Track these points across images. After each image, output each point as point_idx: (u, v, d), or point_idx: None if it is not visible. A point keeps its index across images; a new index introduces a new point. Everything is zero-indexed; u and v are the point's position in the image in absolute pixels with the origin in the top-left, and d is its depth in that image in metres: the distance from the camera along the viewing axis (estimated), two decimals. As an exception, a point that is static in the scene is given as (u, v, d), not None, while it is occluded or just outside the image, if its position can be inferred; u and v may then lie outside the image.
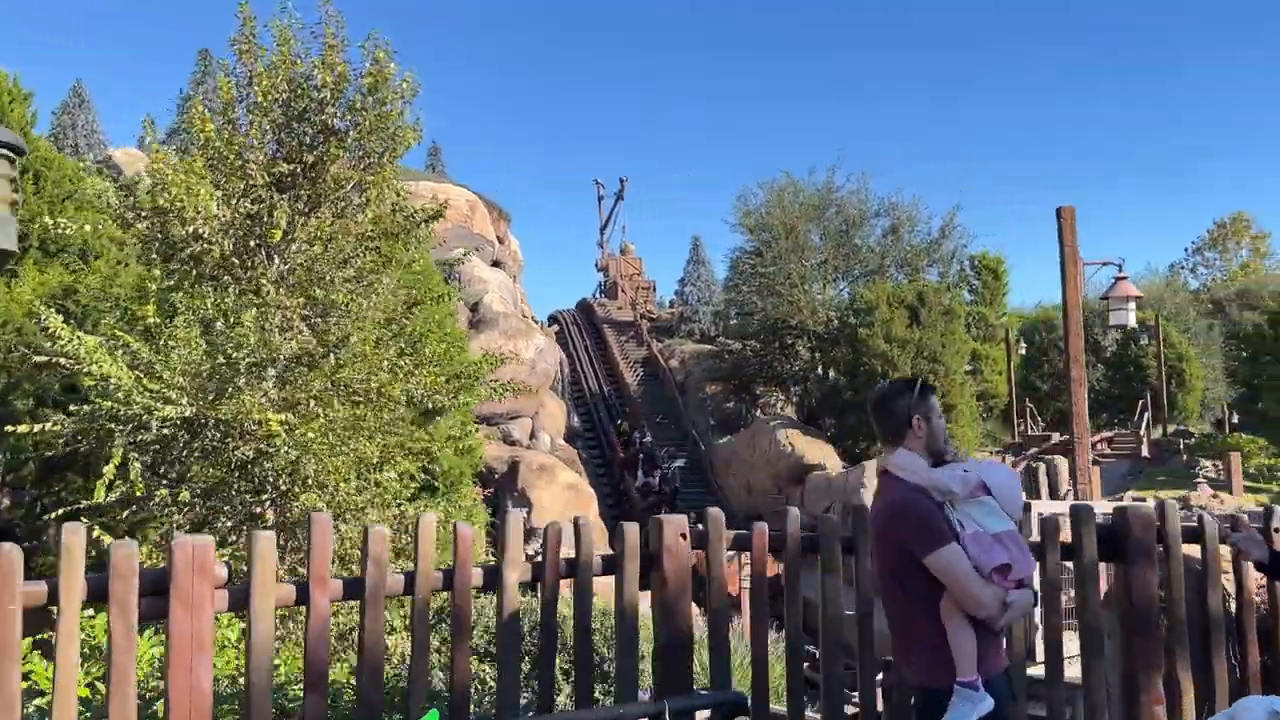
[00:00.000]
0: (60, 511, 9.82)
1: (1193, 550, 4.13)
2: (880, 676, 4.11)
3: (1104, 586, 4.46)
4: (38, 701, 4.15)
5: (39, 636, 4.12)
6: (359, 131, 10.00)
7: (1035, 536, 4.20)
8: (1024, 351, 37.70)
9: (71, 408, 9.31)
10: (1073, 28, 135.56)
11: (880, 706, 4.04)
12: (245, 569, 3.38)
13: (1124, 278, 9.34)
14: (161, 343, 9.76)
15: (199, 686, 3.21)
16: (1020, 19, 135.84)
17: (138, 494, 9.01)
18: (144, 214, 10.21)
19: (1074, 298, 7.77)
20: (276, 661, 5.15)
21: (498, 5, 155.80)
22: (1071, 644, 4.31)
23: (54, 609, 3.18)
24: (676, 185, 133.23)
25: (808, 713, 4.81)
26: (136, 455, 9.24)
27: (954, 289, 32.27)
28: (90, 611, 4.52)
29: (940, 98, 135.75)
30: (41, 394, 14.44)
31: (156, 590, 3.26)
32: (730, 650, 4.05)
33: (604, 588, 4.03)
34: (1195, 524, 4.16)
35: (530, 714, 4.19)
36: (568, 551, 3.91)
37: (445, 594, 3.74)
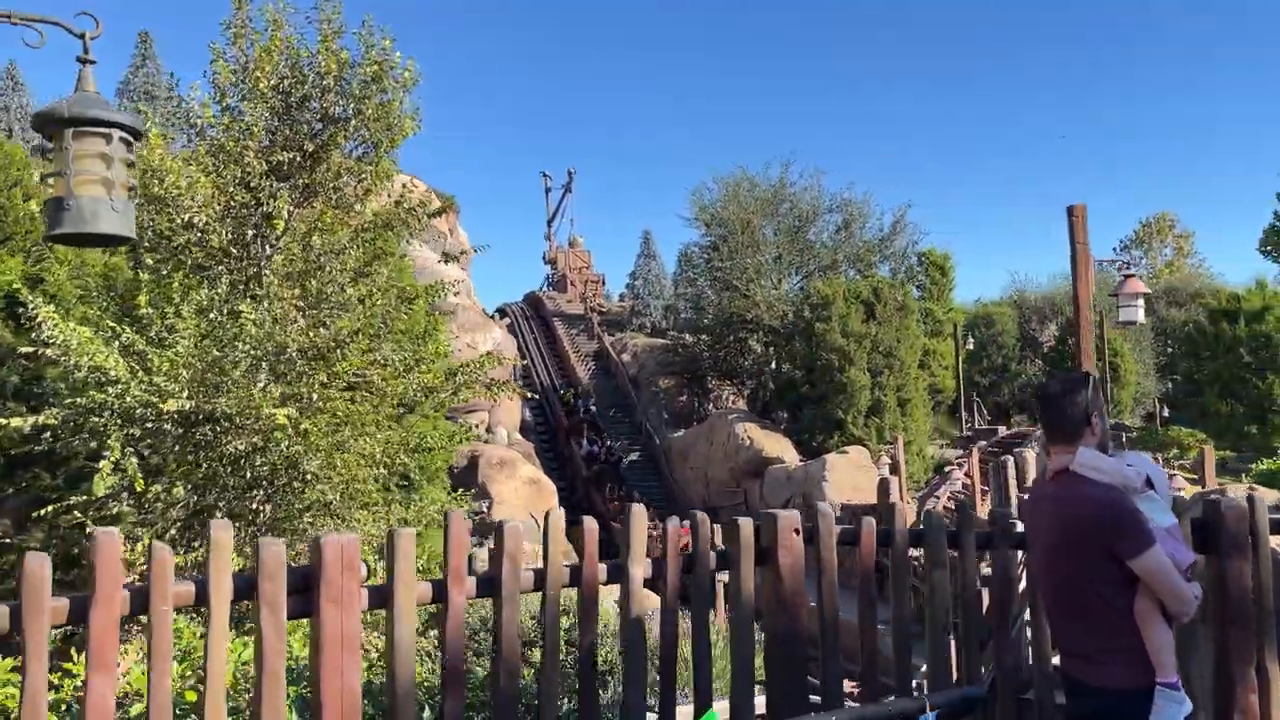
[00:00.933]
0: (51, 508, 9.49)
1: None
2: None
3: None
4: (137, 707, 4.01)
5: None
6: (361, 120, 9.83)
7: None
8: (971, 347, 38.50)
9: (69, 400, 8.98)
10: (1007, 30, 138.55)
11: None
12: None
13: (1133, 275, 9.61)
14: (154, 333, 9.49)
15: (350, 687, 3.15)
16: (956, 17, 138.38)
17: (138, 488, 8.75)
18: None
19: (1085, 295, 7.96)
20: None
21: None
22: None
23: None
24: (625, 179, 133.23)
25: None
26: (132, 450, 8.98)
27: (905, 285, 32.80)
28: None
29: (885, 95, 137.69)
30: (1, 386, 13.94)
31: (300, 589, 3.19)
32: (839, 649, 4.08)
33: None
34: None
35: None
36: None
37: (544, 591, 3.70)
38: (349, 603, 3.17)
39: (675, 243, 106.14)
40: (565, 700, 5.07)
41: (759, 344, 33.14)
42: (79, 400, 8.93)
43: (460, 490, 14.43)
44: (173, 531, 9.53)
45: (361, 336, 9.37)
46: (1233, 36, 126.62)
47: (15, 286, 10.71)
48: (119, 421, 9.00)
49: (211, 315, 9.59)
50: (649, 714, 3.83)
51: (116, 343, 9.08)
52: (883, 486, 21.23)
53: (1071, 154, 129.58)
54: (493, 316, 40.42)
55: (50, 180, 3.35)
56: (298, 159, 9.85)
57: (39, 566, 2.83)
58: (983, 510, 21.00)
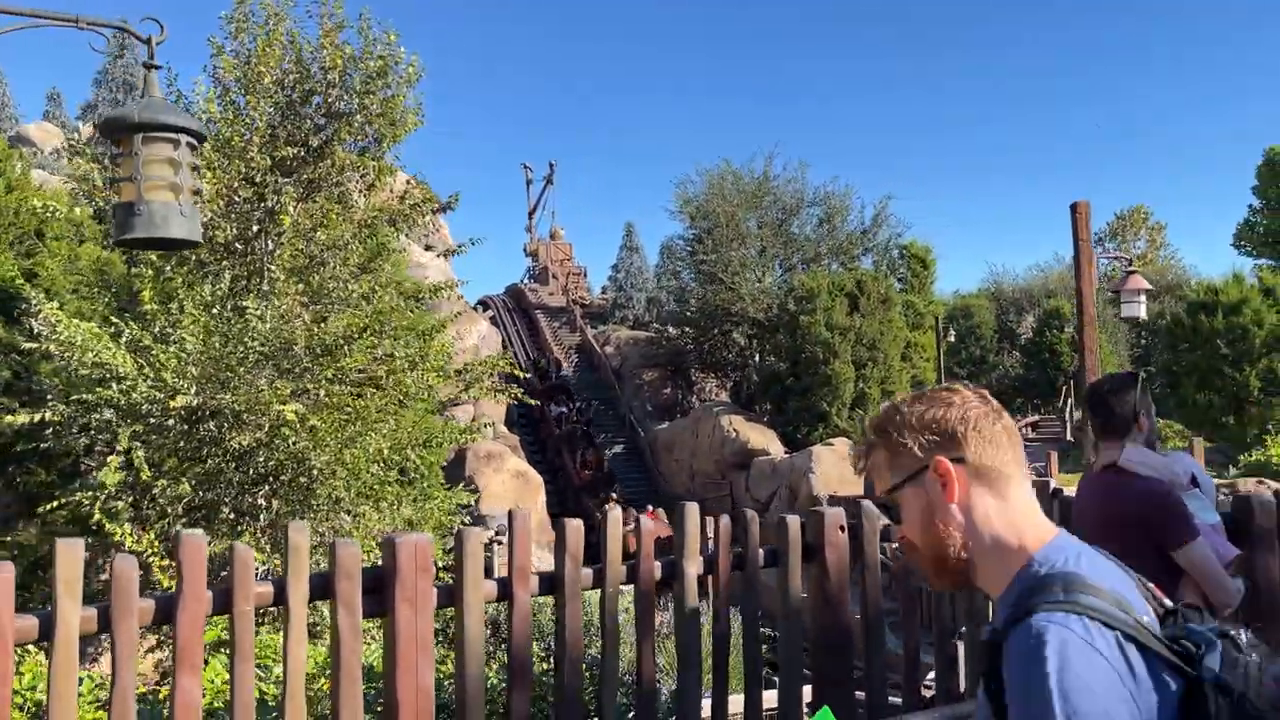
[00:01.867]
0: (53, 505, 9.45)
1: None
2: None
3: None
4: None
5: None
6: (365, 115, 9.82)
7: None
8: (952, 339, 38.81)
9: (74, 397, 8.94)
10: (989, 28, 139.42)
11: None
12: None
13: (1135, 271, 9.77)
14: (158, 329, 9.46)
15: (424, 686, 3.20)
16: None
17: (144, 480, 8.73)
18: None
19: (1088, 290, 8.10)
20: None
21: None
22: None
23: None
24: (607, 172, 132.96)
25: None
26: (139, 445, 8.96)
27: (887, 277, 33.02)
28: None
29: (883, 90, 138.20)
30: (-9, 381, 13.80)
31: (372, 589, 3.24)
32: (883, 644, 4.17)
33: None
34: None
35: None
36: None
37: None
38: (423, 602, 3.22)
39: (658, 235, 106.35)
40: (623, 694, 5.15)
41: (743, 336, 33.27)
42: (86, 397, 8.89)
43: (448, 484, 14.52)
44: (177, 527, 9.52)
45: (368, 333, 9.38)
46: (1205, 32, 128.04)
47: (18, 282, 10.60)
48: (126, 418, 8.98)
49: (215, 311, 9.57)
50: (704, 701, 3.91)
51: (122, 339, 9.05)
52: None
53: (1044, 146, 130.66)
54: (475, 308, 40.32)
55: (119, 185, 3.37)
56: (301, 154, 9.84)
57: (128, 569, 2.87)
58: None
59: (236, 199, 9.64)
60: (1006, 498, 1.39)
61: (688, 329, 34.84)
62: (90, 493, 9.05)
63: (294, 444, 9.10)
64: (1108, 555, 1.36)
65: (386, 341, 10.20)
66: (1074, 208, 8.03)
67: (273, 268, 9.49)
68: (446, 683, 5.39)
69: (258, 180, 9.52)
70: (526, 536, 3.50)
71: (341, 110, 9.76)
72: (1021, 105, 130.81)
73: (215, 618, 3.18)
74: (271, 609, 3.19)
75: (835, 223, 34.19)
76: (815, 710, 4.06)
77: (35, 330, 10.37)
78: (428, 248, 38.52)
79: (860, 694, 4.11)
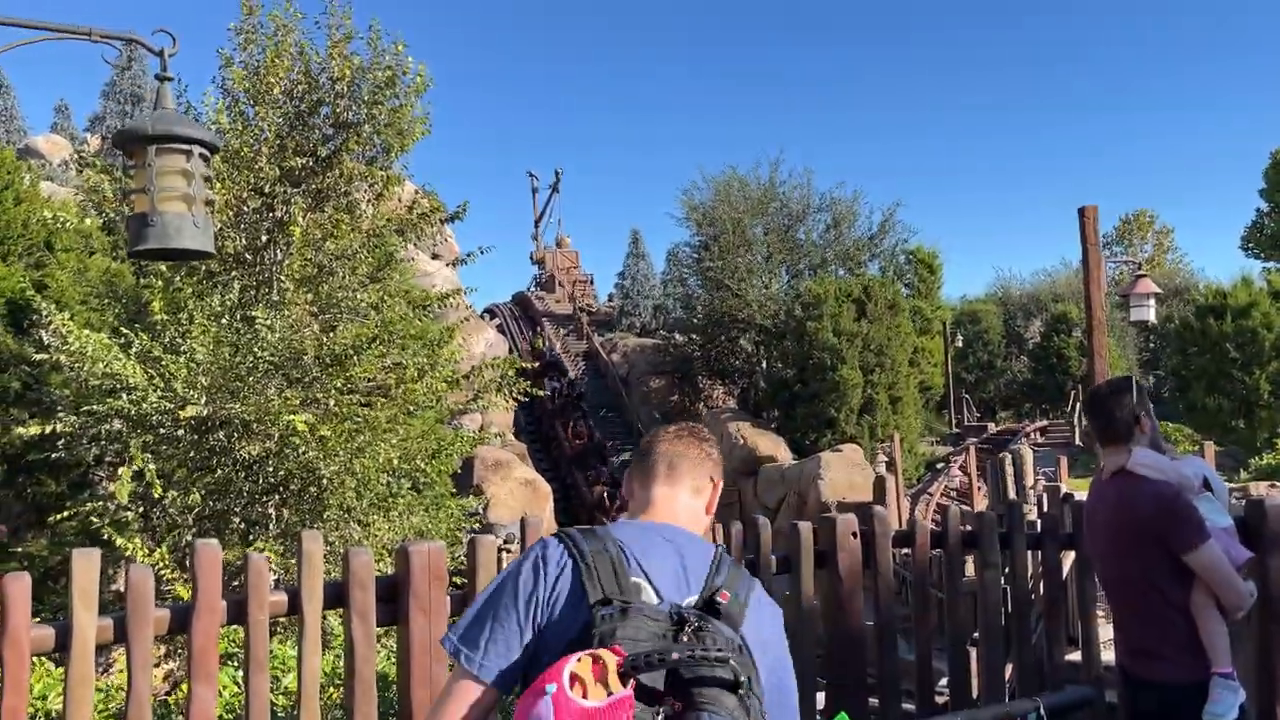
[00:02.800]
0: (63, 515, 9.48)
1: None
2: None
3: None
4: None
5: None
6: (373, 125, 9.85)
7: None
8: (960, 344, 38.78)
9: (84, 408, 8.97)
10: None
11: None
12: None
13: (1145, 275, 9.74)
14: (167, 340, 9.49)
15: (438, 694, 3.20)
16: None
17: (156, 494, 8.76)
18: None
19: (1096, 295, 8.09)
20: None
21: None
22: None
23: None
24: (612, 179, 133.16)
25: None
26: (150, 456, 8.98)
27: (894, 283, 33.00)
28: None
29: (871, 95, 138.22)
30: (3, 392, 13.86)
31: (386, 597, 3.24)
32: (896, 647, 4.16)
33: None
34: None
35: None
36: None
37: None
38: (437, 611, 3.22)
39: (664, 242, 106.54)
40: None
41: (750, 343, 33.26)
42: (97, 408, 8.92)
43: (457, 492, 14.55)
44: (188, 537, 9.54)
45: (377, 343, 9.40)
46: (1212, 34, 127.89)
47: (28, 294, 10.65)
48: (136, 429, 9.00)
49: (224, 321, 9.60)
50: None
51: (132, 349, 9.08)
52: (879, 484, 21.40)
53: (1050, 151, 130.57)
54: (482, 316, 40.38)
55: (133, 196, 3.38)
56: (310, 164, 9.87)
57: (144, 578, 2.88)
58: (979, 507, 21.20)
59: (245, 209, 9.67)
60: None
61: (695, 336, 34.84)
62: (100, 504, 9.06)
63: (303, 453, 9.12)
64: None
65: (395, 351, 10.22)
66: (1082, 212, 8.02)
67: (282, 278, 9.51)
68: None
69: (267, 191, 9.55)
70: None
71: (350, 120, 9.79)
72: (1026, 109, 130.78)
73: (227, 627, 3.18)
74: (282, 618, 3.19)
75: (842, 229, 34.17)
76: (829, 717, 4.06)
77: (45, 341, 10.42)
78: (435, 256, 38.68)
79: (873, 700, 4.10)
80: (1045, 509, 4.83)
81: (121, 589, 8.88)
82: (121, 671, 4.39)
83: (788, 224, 33.92)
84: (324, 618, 3.22)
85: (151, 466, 8.82)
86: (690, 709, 1.50)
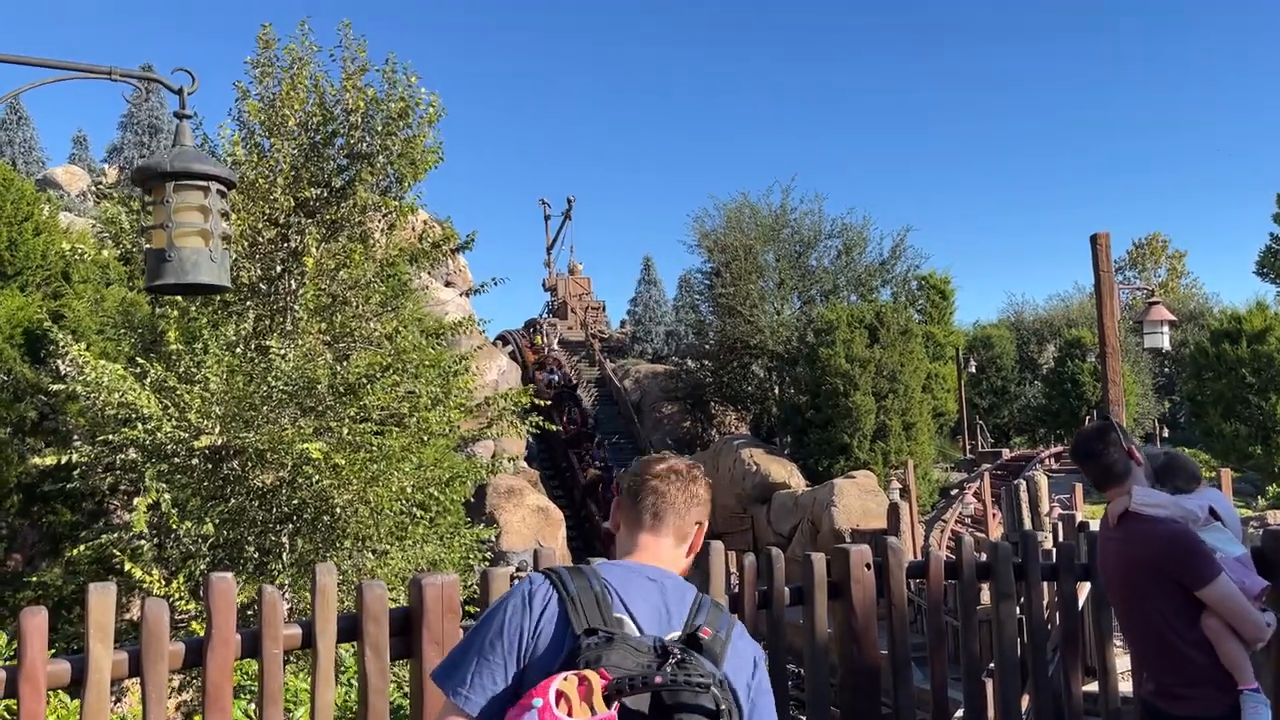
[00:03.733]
0: (81, 548, 9.50)
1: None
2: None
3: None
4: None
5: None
6: (386, 155, 9.94)
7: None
8: (973, 370, 38.64)
9: (100, 437, 9.02)
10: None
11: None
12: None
13: (1158, 302, 9.71)
14: (182, 369, 9.55)
15: (452, 728, 3.19)
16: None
17: (172, 526, 8.78)
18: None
19: (1110, 322, 8.08)
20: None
21: (438, 12, 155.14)
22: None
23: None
24: (624, 206, 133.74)
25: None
26: (165, 486, 9.02)
27: (906, 309, 32.97)
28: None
29: (882, 121, 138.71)
30: (20, 421, 13.95)
31: (398, 631, 3.25)
32: (911, 678, 4.13)
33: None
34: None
35: None
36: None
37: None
38: (450, 644, 3.22)
39: (676, 269, 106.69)
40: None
41: (762, 369, 33.24)
42: (112, 437, 8.97)
43: (469, 520, 14.54)
44: (201, 566, 9.56)
45: (390, 371, 9.44)
46: (1225, 58, 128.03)
47: (45, 324, 10.74)
48: (150, 458, 9.05)
49: (239, 350, 9.66)
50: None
51: (147, 379, 9.14)
52: (893, 511, 21.29)
53: (1062, 175, 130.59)
54: (494, 343, 40.49)
55: (151, 232, 3.43)
56: (324, 194, 9.96)
57: (159, 612, 2.89)
58: (994, 534, 21.06)
59: (260, 240, 9.75)
60: None
61: (706, 362, 34.86)
62: (115, 534, 9.10)
63: (317, 482, 9.14)
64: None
65: (408, 379, 10.26)
66: (1094, 240, 8.01)
67: (296, 307, 9.58)
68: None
69: (281, 221, 9.64)
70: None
71: (364, 151, 9.88)
72: (1039, 133, 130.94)
73: (240, 660, 3.19)
74: (295, 651, 3.19)
75: (853, 255, 34.21)
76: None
77: (62, 371, 10.49)
78: (448, 284, 38.89)
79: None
80: (1061, 538, 4.80)
81: (135, 618, 8.90)
82: (137, 705, 4.40)
83: (799, 250, 33.98)
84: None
85: (167, 496, 8.86)
86: None
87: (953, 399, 35.59)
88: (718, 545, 3.87)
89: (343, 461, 9.00)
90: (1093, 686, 4.53)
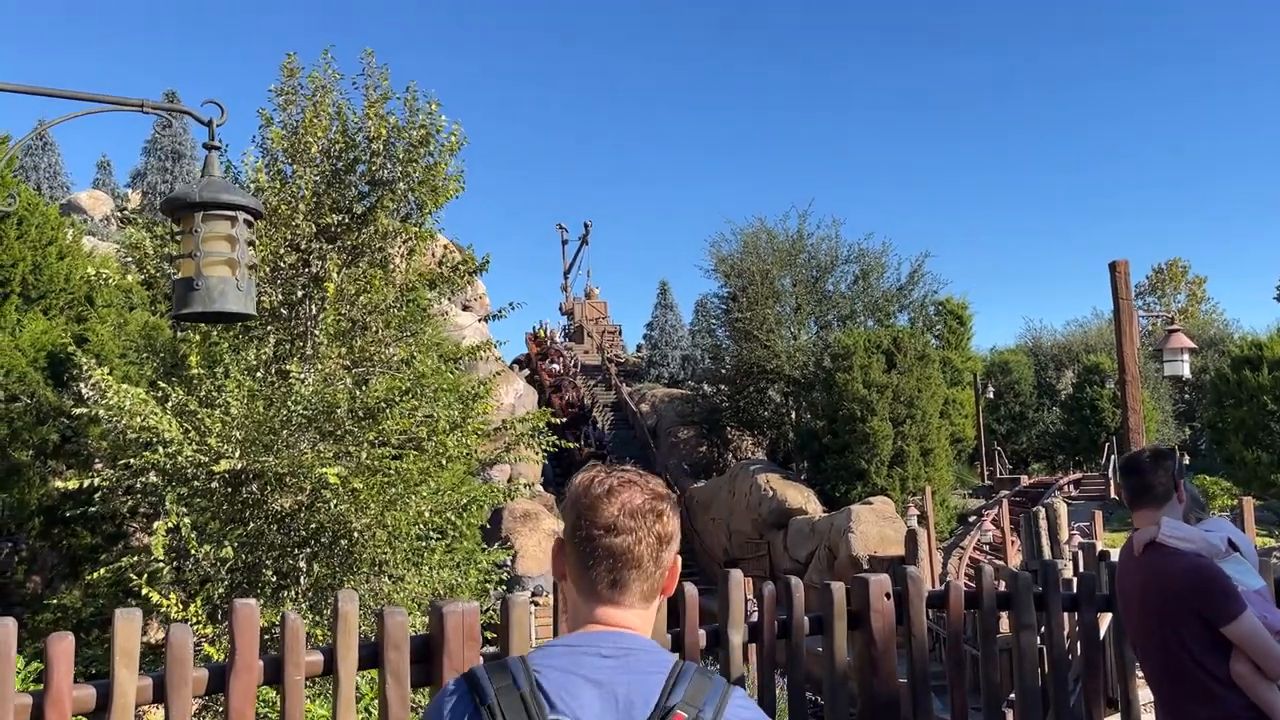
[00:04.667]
0: (102, 571, 9.55)
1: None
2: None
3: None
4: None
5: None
6: (408, 183, 10.03)
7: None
8: (991, 395, 38.45)
9: (122, 461, 9.10)
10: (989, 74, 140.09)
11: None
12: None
13: (1178, 330, 9.68)
14: (203, 393, 9.63)
15: (471, 755, 3.20)
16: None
17: (192, 551, 8.83)
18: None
19: (1129, 349, 8.06)
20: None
21: (457, 39, 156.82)
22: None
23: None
24: (641, 230, 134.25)
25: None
26: (185, 510, 9.07)
27: (924, 334, 32.91)
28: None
29: (901, 145, 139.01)
30: (42, 444, 14.08)
31: (421, 658, 3.26)
32: (931, 709, 4.12)
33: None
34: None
35: None
36: None
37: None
38: (470, 671, 3.23)
39: (692, 293, 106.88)
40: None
41: (779, 394, 33.20)
42: (132, 461, 9.05)
43: (485, 544, 14.54)
44: (220, 590, 9.59)
45: (409, 396, 9.49)
46: (1241, 84, 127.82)
47: (69, 348, 10.87)
48: (171, 482, 9.11)
49: (259, 374, 9.74)
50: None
51: (169, 403, 9.22)
52: (910, 538, 21.17)
53: (1080, 198, 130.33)
54: (511, 367, 40.59)
55: (179, 261, 3.48)
56: (345, 221, 10.05)
57: (183, 640, 2.92)
58: (1013, 562, 20.88)
59: (282, 265, 9.84)
60: None
61: (723, 386, 34.85)
62: (135, 558, 9.15)
63: (335, 506, 9.17)
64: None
65: (426, 404, 10.31)
66: (1113, 267, 8.01)
67: (316, 332, 9.65)
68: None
69: (303, 247, 9.73)
70: (572, 604, 3.51)
71: (385, 178, 9.98)
72: (1056, 160, 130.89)
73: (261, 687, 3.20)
74: (315, 677, 3.21)
75: (871, 280, 34.22)
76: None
77: (84, 395, 10.59)
78: (465, 308, 39.08)
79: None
80: (1081, 567, 4.79)
81: (153, 640, 8.93)
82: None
83: (816, 275, 34.02)
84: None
85: (186, 521, 8.91)
86: None
87: (970, 425, 35.43)
88: (737, 575, 3.87)
89: (361, 486, 9.04)
90: (1115, 718, 4.50)
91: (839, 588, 4.03)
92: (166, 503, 8.78)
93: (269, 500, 9.61)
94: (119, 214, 32.09)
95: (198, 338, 9.84)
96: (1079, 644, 4.44)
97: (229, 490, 9.63)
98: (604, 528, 1.50)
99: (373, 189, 10.09)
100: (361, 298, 10.04)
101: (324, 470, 8.69)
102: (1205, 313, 70.37)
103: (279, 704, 3.12)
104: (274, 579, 9.54)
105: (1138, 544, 3.30)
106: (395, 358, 10.25)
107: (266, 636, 7.43)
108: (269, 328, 10.14)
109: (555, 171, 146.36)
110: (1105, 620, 5.40)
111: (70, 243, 19.28)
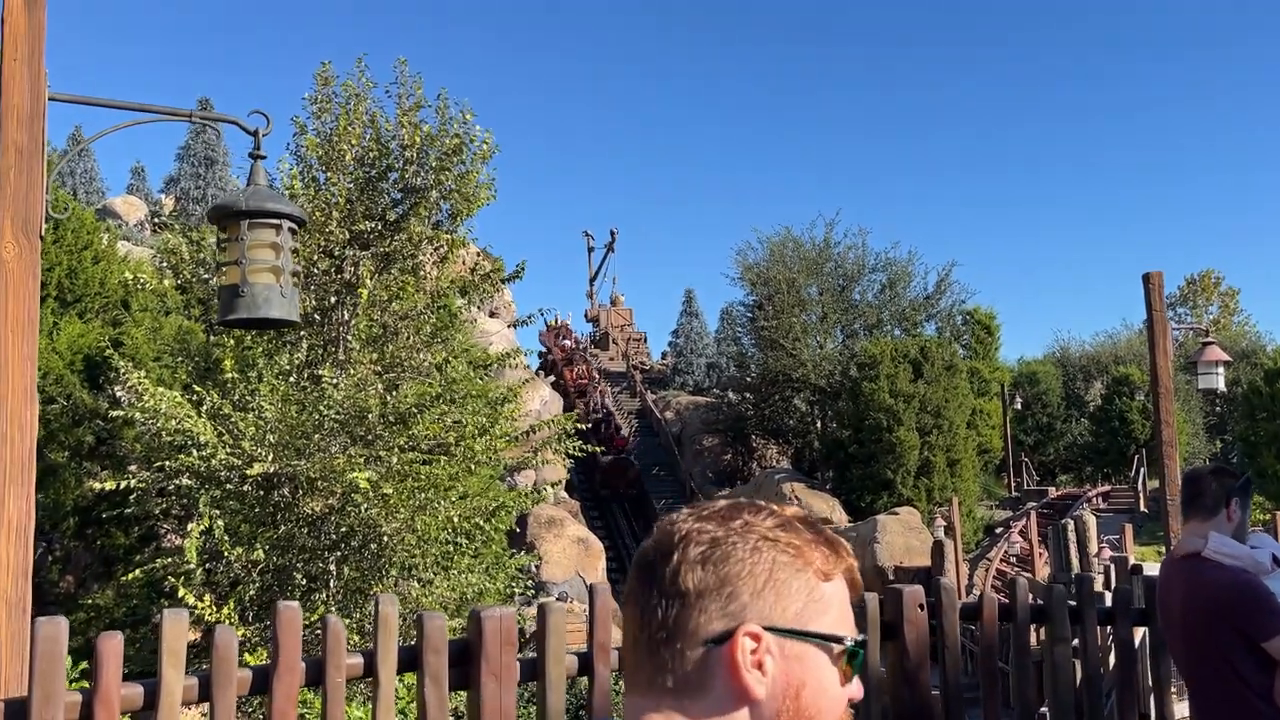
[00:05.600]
0: (137, 573, 9.68)
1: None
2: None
3: None
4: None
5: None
6: (440, 190, 10.12)
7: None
8: (1019, 406, 38.16)
9: (157, 464, 9.23)
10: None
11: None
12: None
13: (1212, 342, 9.62)
14: (237, 397, 9.74)
15: (508, 760, 3.24)
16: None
17: (224, 553, 8.93)
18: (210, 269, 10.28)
19: (1163, 362, 8.00)
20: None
21: (484, 47, 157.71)
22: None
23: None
24: (667, 238, 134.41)
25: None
26: (218, 512, 9.18)
27: (951, 344, 32.72)
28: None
29: (929, 152, 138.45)
30: (78, 446, 14.27)
31: (458, 661, 3.30)
32: None
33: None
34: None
35: None
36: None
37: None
38: (507, 676, 3.27)
39: (718, 301, 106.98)
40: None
41: (804, 403, 33.11)
42: (166, 463, 9.17)
43: (511, 550, 14.62)
44: (251, 592, 9.70)
45: (440, 401, 9.56)
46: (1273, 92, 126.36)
47: (105, 352, 11.04)
48: (204, 484, 9.23)
49: (292, 379, 9.85)
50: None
51: (203, 407, 9.34)
52: (937, 549, 21.05)
53: (1110, 209, 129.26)
54: (537, 373, 40.71)
55: (225, 268, 3.54)
56: (378, 228, 10.15)
57: (228, 641, 2.97)
58: (1040, 574, 20.72)
59: (315, 271, 9.95)
60: None
61: (748, 395, 34.79)
62: (168, 560, 9.27)
63: (365, 511, 9.26)
64: None
65: (456, 409, 10.39)
66: (1147, 279, 7.97)
67: (349, 337, 9.76)
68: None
69: (336, 253, 9.84)
70: (608, 612, 3.54)
71: (418, 186, 10.07)
72: (1087, 168, 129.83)
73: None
74: (352, 680, 3.25)
75: (898, 289, 34.08)
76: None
77: (119, 397, 10.75)
78: (493, 314, 39.27)
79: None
80: (1114, 581, 4.76)
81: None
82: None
83: (843, 284, 33.92)
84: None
85: (220, 523, 9.02)
86: None
87: (997, 435, 35.15)
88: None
89: (391, 491, 9.12)
90: (1149, 734, 4.48)
91: (873, 598, 4.03)
92: (200, 505, 8.88)
93: (300, 503, 9.70)
94: (153, 219, 32.53)
95: (232, 342, 9.96)
96: (1112, 658, 4.42)
97: (261, 493, 9.74)
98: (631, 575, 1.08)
99: (405, 196, 10.19)
100: (393, 304, 10.14)
101: (355, 475, 8.77)
102: (1237, 325, 69.53)
103: (319, 705, 3.17)
104: (304, 582, 9.63)
105: (1179, 552, 3.29)
106: (426, 363, 10.33)
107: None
108: (302, 333, 10.25)
109: (582, 178, 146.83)
110: (1139, 634, 5.37)
111: (106, 247, 19.54)
